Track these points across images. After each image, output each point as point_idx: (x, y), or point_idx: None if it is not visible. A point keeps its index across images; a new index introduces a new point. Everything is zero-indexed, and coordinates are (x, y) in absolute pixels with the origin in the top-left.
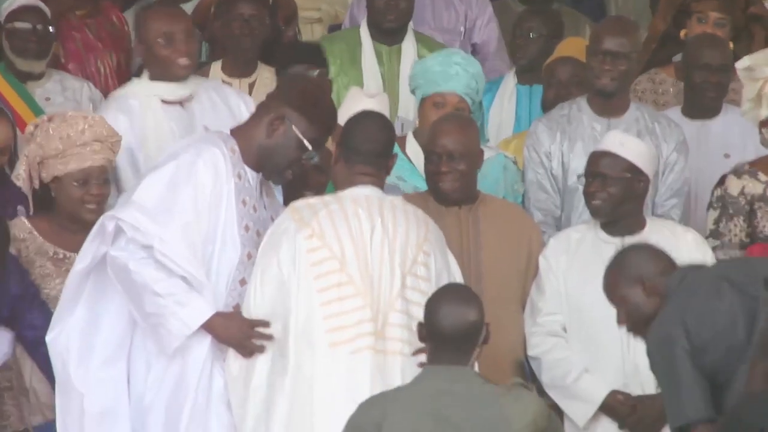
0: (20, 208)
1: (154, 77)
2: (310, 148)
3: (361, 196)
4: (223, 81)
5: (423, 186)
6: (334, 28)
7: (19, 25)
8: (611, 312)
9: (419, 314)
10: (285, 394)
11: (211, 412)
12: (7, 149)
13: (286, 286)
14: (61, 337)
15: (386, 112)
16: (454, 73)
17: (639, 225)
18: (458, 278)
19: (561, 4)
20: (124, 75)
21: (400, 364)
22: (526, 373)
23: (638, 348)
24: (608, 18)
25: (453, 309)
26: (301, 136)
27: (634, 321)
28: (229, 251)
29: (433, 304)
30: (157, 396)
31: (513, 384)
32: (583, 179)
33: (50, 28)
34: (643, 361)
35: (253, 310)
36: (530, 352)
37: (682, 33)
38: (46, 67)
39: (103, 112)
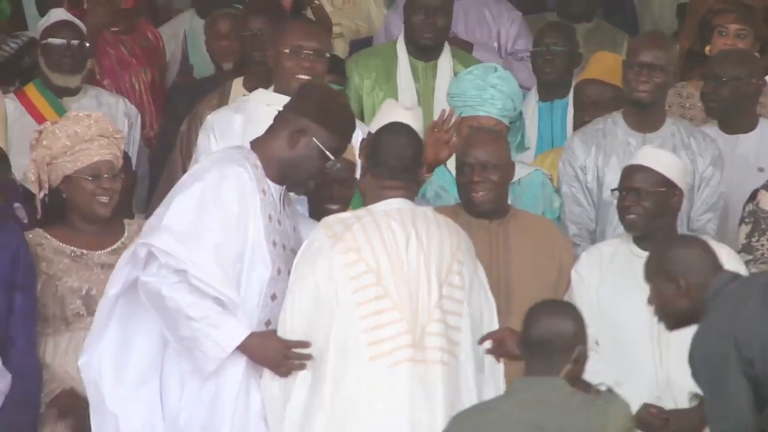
0: (17, 205)
1: (278, 89)
2: (332, 157)
3: (392, 208)
4: (244, 95)
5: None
6: (356, 43)
7: (53, 40)
8: (644, 326)
9: (455, 323)
10: (324, 409)
11: (250, 429)
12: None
13: (323, 302)
14: (93, 361)
15: (420, 125)
16: (489, 97)
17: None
18: (486, 286)
19: (599, 20)
20: (158, 91)
21: (441, 373)
22: None
23: (671, 361)
24: (645, 33)
25: (548, 321)
26: (322, 147)
27: (662, 311)
28: (260, 268)
29: (530, 316)
30: (192, 415)
31: (600, 390)
32: (617, 193)
33: (85, 43)
34: (676, 375)
35: (289, 328)
36: None
37: (707, 49)
38: (81, 83)
39: (222, 111)
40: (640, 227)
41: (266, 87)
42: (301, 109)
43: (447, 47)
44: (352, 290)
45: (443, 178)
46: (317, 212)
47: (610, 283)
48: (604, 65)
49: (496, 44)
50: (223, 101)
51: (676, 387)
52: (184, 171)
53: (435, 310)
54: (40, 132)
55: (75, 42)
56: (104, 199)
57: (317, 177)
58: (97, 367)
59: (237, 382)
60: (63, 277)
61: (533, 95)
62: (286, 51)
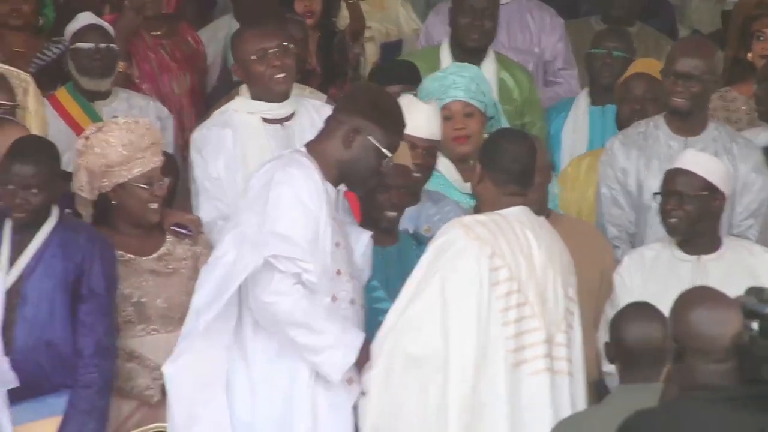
0: (68, 212)
1: (255, 96)
2: (388, 154)
3: (522, 216)
4: (226, 108)
5: (460, 199)
6: (387, 46)
7: (82, 45)
8: None
9: (573, 336)
10: (457, 415)
11: (319, 429)
12: None
13: (451, 302)
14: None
15: (439, 121)
16: (451, 83)
17: (715, 243)
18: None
19: (642, 24)
20: (198, 95)
21: (567, 384)
22: (601, 391)
23: None
24: (684, 39)
25: (639, 326)
26: (378, 145)
27: None
28: (322, 269)
29: (619, 323)
30: (264, 422)
31: None
32: (659, 197)
33: (113, 46)
34: None
35: (416, 325)
36: (605, 369)
37: (749, 55)
38: (112, 86)
39: (207, 127)
40: (682, 231)
41: None
42: (354, 109)
43: (491, 52)
44: (495, 296)
45: (436, 183)
46: (373, 218)
47: (652, 287)
48: (648, 65)
49: (537, 49)
50: None
51: None
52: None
53: (562, 321)
54: (87, 138)
55: (104, 46)
56: (155, 205)
57: (376, 175)
58: (182, 377)
59: (305, 382)
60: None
61: (584, 98)
62: (254, 58)
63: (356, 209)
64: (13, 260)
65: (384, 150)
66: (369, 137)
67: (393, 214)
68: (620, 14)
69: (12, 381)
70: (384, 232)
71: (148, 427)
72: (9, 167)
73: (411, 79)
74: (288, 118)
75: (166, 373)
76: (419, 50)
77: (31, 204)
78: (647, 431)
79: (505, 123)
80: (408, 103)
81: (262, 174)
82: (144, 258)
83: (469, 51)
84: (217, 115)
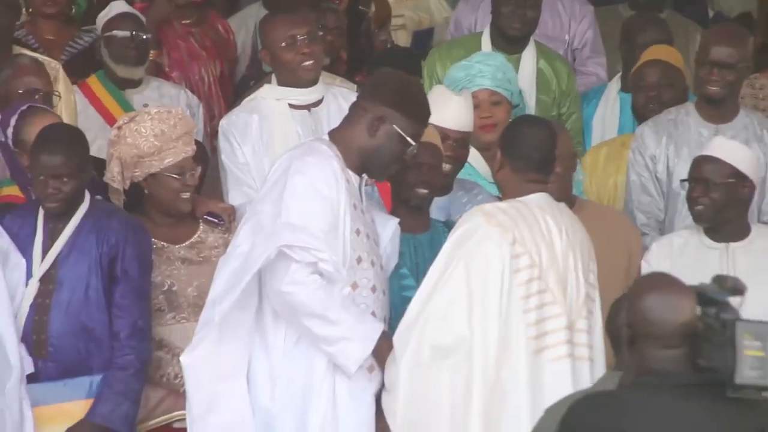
0: (98, 198)
1: (282, 82)
2: (412, 143)
3: (543, 203)
4: (250, 96)
5: (488, 188)
6: (419, 34)
7: (117, 33)
8: None
9: (594, 322)
10: (479, 401)
11: (339, 416)
12: None
13: (470, 293)
14: (197, 362)
15: (471, 111)
16: (477, 72)
17: (744, 231)
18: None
19: (670, 11)
20: (227, 83)
21: (588, 369)
22: None
23: None
24: (717, 27)
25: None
26: (402, 133)
27: None
28: (341, 256)
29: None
30: (284, 409)
31: None
32: (686, 184)
33: (146, 35)
34: None
35: (432, 308)
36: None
37: None
38: (144, 74)
39: (235, 114)
40: (708, 218)
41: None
42: (378, 97)
43: (532, 41)
44: (516, 283)
45: (464, 171)
46: (404, 197)
47: (680, 274)
48: (662, 52)
49: (567, 37)
50: None
51: None
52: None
53: (583, 306)
54: (120, 128)
55: (137, 33)
56: (186, 195)
57: (398, 163)
58: (200, 367)
59: (322, 370)
60: None
61: (615, 85)
62: (283, 45)
63: (386, 197)
64: (47, 247)
65: (408, 138)
66: (393, 125)
67: (423, 191)
68: (648, 1)
69: (28, 367)
70: (414, 211)
71: (174, 414)
72: (38, 158)
73: (411, 68)
74: (316, 104)
75: (184, 363)
76: (462, 37)
77: (62, 192)
78: (594, 415)
79: (529, 112)
80: (439, 95)
81: (281, 163)
82: (176, 246)
83: (510, 40)
84: (245, 102)
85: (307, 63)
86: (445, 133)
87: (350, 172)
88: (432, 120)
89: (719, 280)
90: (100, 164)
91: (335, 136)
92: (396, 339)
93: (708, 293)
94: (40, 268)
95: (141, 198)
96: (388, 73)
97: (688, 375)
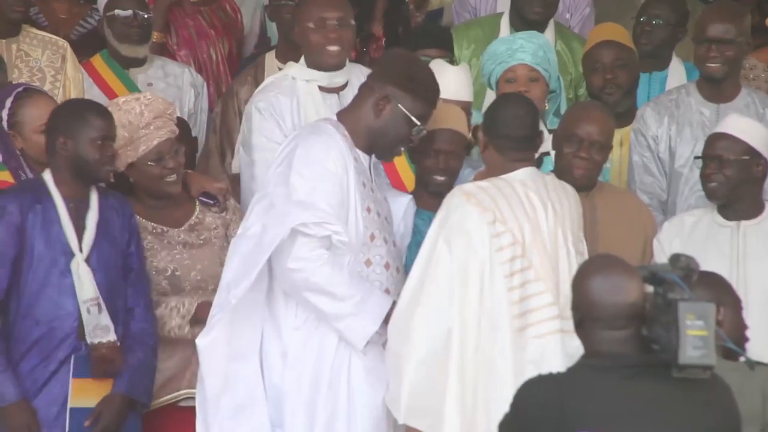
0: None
1: (309, 64)
2: (418, 123)
3: (527, 178)
4: (279, 68)
5: None
6: (429, 14)
7: (120, 12)
8: None
9: None
10: (466, 381)
11: (352, 393)
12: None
13: (458, 272)
14: (213, 344)
15: (470, 81)
16: (518, 47)
17: (757, 209)
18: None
19: None
20: (235, 62)
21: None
22: None
23: (751, 329)
24: (713, 5)
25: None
26: (408, 113)
27: None
28: (354, 233)
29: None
30: (293, 387)
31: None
32: (700, 161)
33: (148, 14)
34: (754, 341)
35: (426, 292)
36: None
37: (767, 20)
38: (149, 53)
39: (268, 93)
40: (721, 195)
41: (299, 57)
42: (385, 77)
43: (552, 24)
44: (499, 262)
45: None
46: (423, 182)
47: (692, 252)
48: (612, 31)
49: (568, 15)
50: (258, 77)
51: (755, 354)
52: (220, 150)
53: None
54: None
55: (141, 13)
56: (171, 177)
57: (405, 144)
58: (215, 349)
59: (333, 348)
60: (148, 254)
61: None
62: (310, 25)
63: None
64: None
65: (414, 118)
66: (399, 105)
67: (441, 178)
68: None
69: None
70: (433, 196)
71: (180, 393)
72: (91, 123)
73: (445, 43)
74: (342, 88)
75: (199, 346)
76: (481, 18)
77: (113, 156)
78: (540, 396)
79: (563, 99)
80: (437, 67)
81: (287, 143)
82: (175, 230)
83: (531, 23)
84: (276, 80)
85: (332, 48)
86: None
87: (358, 151)
88: None
89: (672, 259)
90: None
91: (343, 116)
92: (391, 328)
93: (660, 273)
94: (82, 252)
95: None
96: (395, 53)
97: (634, 356)
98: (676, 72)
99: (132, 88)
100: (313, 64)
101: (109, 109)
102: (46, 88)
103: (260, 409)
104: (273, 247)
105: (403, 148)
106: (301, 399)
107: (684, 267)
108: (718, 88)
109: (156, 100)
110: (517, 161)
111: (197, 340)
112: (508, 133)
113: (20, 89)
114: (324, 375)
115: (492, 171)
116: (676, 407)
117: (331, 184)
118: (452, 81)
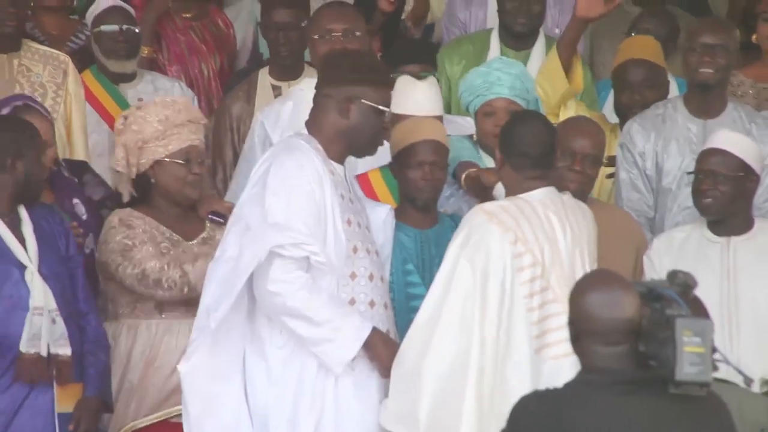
0: (76, 201)
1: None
2: (385, 110)
3: (546, 198)
4: (272, 85)
5: None
6: (424, 29)
7: (106, 27)
8: (715, 310)
9: None
10: (481, 400)
11: (343, 411)
12: (47, 144)
13: (479, 290)
14: (194, 369)
15: (438, 96)
16: (496, 79)
17: (747, 224)
18: None
19: (674, 6)
20: (227, 77)
21: None
22: None
23: (741, 345)
24: (704, 17)
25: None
26: (374, 104)
27: None
28: (335, 248)
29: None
30: (277, 408)
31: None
32: (689, 177)
33: (136, 28)
34: (747, 359)
35: (447, 309)
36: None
37: (753, 37)
38: (137, 68)
39: (277, 100)
40: (715, 211)
41: (293, 78)
42: (337, 80)
43: (541, 36)
44: (519, 282)
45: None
46: (409, 196)
47: (682, 268)
48: (643, 46)
49: (557, 30)
50: (250, 93)
51: (747, 371)
52: (212, 166)
53: None
54: (126, 117)
55: (126, 27)
56: (194, 182)
57: (383, 133)
58: (197, 373)
59: (315, 370)
60: (163, 260)
61: None
62: (316, 37)
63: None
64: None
65: (380, 107)
66: (363, 100)
67: (428, 190)
68: None
69: None
70: (421, 210)
71: (172, 409)
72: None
73: (427, 58)
74: None
75: (181, 372)
76: (471, 34)
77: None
78: (537, 412)
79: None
80: (405, 83)
81: (261, 163)
82: (189, 242)
83: (517, 36)
84: (289, 91)
85: None
86: None
87: (333, 164)
88: (400, 110)
89: (671, 275)
90: (81, 166)
91: (312, 128)
92: (407, 343)
93: (657, 289)
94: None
95: (148, 191)
96: (334, 55)
97: (630, 372)
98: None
99: (122, 103)
100: None
101: (144, 106)
102: (47, 103)
103: (245, 430)
104: (250, 270)
105: (383, 140)
106: (285, 417)
107: (681, 283)
108: (705, 102)
109: (193, 108)
110: (535, 179)
111: (179, 366)
112: (526, 150)
113: (20, 103)
114: (307, 392)
115: (510, 190)
116: (672, 424)
117: (306, 203)
118: (421, 96)
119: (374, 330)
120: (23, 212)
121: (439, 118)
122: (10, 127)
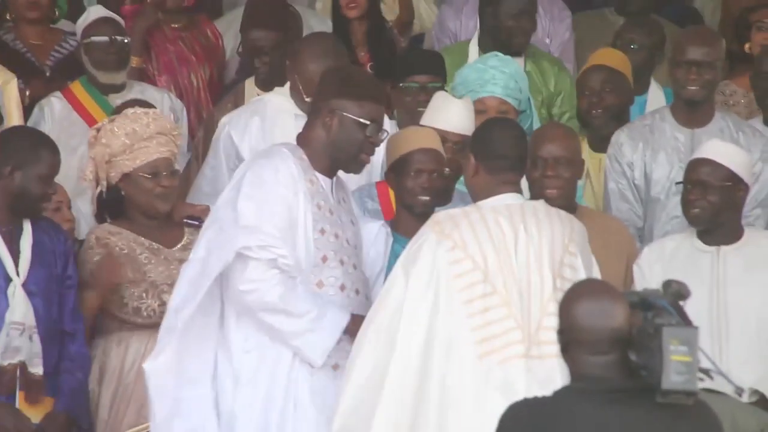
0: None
1: (293, 95)
2: (368, 123)
3: (501, 205)
4: (259, 95)
5: None
6: (414, 40)
7: (96, 38)
8: (704, 320)
9: None
10: (429, 410)
11: (299, 417)
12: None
13: (410, 299)
14: (160, 367)
15: (472, 116)
16: (490, 77)
17: (736, 234)
18: (598, 276)
19: (660, 16)
20: (216, 88)
21: (558, 367)
22: None
23: (731, 356)
24: (690, 28)
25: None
26: (355, 117)
27: None
28: (304, 255)
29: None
30: (245, 412)
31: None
32: (677, 187)
33: (126, 39)
34: (736, 369)
35: (380, 317)
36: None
37: (746, 46)
38: (127, 78)
39: (240, 113)
40: (704, 221)
41: (279, 85)
42: (324, 93)
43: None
44: (457, 288)
45: None
46: (407, 204)
47: (672, 277)
48: (608, 56)
49: (548, 40)
50: (238, 104)
51: (736, 381)
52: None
53: (549, 303)
54: (98, 130)
55: (116, 38)
56: (163, 195)
57: (367, 148)
58: (163, 374)
59: (285, 373)
60: (146, 272)
61: None
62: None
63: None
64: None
65: (362, 120)
66: (344, 113)
67: (425, 198)
68: (633, 9)
69: None
70: (419, 219)
71: (141, 427)
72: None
73: (437, 69)
74: None
75: (146, 370)
76: (449, 46)
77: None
78: (526, 419)
79: (536, 118)
80: (441, 98)
81: (239, 168)
82: (170, 249)
83: (514, 54)
84: (250, 103)
85: None
86: (444, 136)
87: (318, 174)
88: (432, 123)
89: (664, 285)
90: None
91: (300, 140)
92: (351, 355)
93: (650, 299)
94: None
95: (122, 202)
96: (327, 70)
97: (618, 381)
98: (656, 97)
99: (111, 113)
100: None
101: (115, 119)
102: None
103: None
104: (217, 271)
105: (368, 155)
106: (253, 422)
107: (675, 293)
108: (693, 112)
109: (163, 118)
110: (506, 184)
111: (144, 365)
112: (505, 153)
113: None
114: (276, 398)
115: (479, 194)
116: None
117: (279, 207)
118: (455, 114)
119: (353, 317)
120: (27, 225)
121: (467, 138)
122: (18, 138)
